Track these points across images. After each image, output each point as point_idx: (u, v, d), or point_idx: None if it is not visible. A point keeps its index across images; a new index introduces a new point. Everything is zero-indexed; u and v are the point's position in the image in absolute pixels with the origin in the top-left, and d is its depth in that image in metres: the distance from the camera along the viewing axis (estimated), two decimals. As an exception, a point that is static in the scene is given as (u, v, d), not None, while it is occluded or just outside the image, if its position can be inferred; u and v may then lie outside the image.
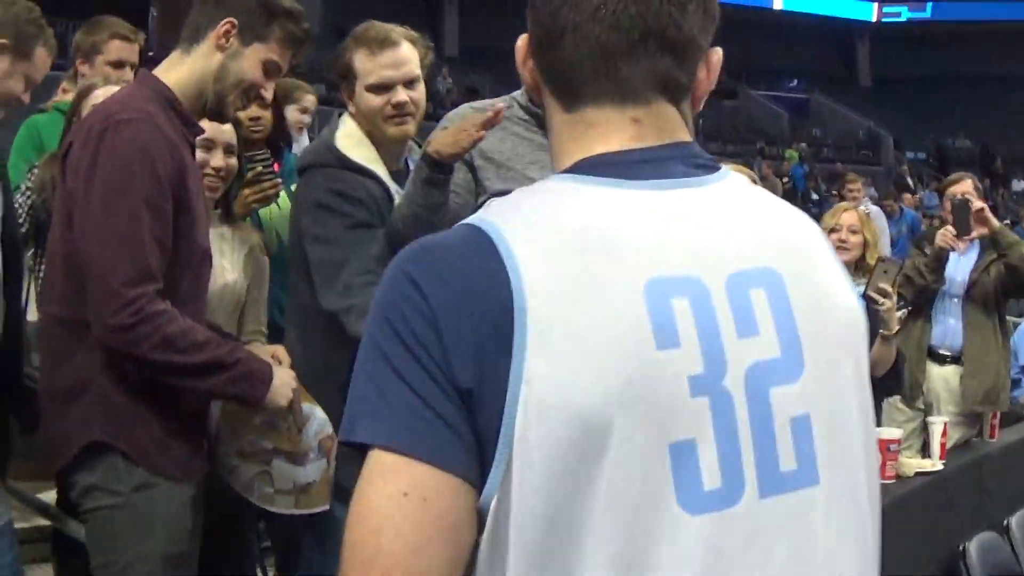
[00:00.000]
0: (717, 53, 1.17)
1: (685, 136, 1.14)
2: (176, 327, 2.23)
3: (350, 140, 2.88)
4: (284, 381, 2.45)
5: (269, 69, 2.46)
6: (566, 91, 1.13)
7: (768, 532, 1.04)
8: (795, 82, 38.58)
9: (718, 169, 1.15)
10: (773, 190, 3.36)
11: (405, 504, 0.98)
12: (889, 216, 11.09)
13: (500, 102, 2.74)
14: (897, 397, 4.89)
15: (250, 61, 2.41)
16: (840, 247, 3.92)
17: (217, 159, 2.84)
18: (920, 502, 3.41)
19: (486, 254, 1.01)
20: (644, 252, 1.04)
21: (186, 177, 2.33)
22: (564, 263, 1.01)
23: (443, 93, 22.96)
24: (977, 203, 4.64)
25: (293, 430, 2.56)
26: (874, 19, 39.07)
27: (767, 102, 35.81)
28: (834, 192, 20.20)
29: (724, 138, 29.01)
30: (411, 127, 2.89)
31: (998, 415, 4.75)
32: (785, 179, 21.85)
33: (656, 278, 1.02)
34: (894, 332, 3.72)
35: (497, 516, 0.98)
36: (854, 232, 4.11)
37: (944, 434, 3.83)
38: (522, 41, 1.17)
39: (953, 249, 4.79)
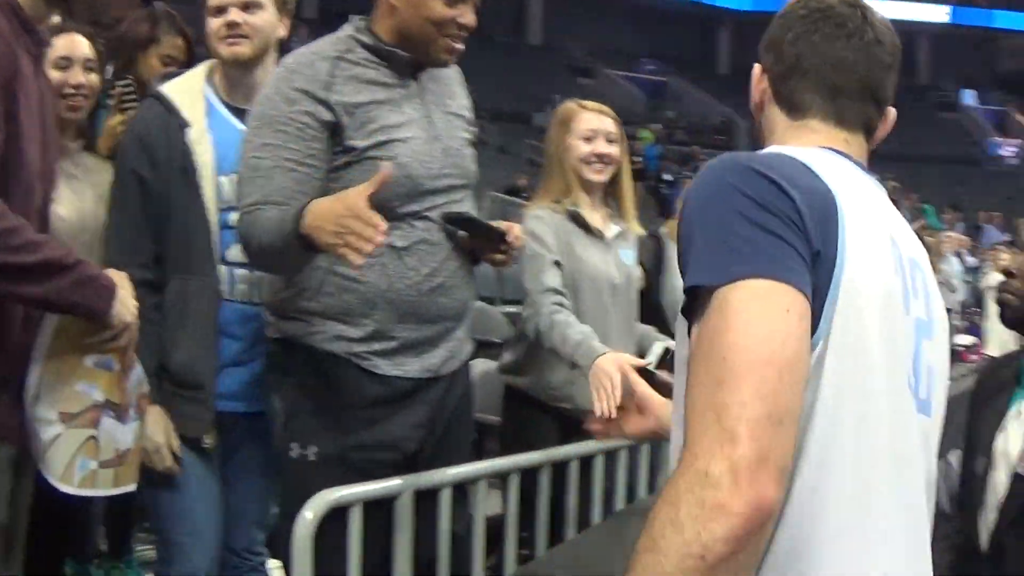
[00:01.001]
0: (893, 112, 1.59)
1: (863, 160, 1.53)
2: (5, 223, 2.05)
3: (188, 81, 2.90)
4: (128, 294, 2.35)
5: None
6: (794, 108, 1.54)
7: (915, 439, 1.39)
8: (653, 65, 38.55)
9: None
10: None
11: (789, 318, 1.21)
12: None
13: (333, 49, 2.59)
14: None
15: None
16: None
17: (76, 75, 2.89)
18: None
19: (810, 173, 1.34)
20: (882, 213, 1.44)
21: (16, 86, 2.16)
22: (852, 195, 1.36)
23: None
24: None
25: (124, 375, 2.45)
26: (741, 7, 38.73)
27: (624, 82, 35.76)
28: (686, 174, 21.01)
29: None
30: (244, 48, 2.82)
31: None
32: (638, 159, 21.22)
33: (890, 233, 1.41)
34: None
35: (818, 355, 1.26)
36: None
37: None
38: (758, 70, 1.58)
39: None
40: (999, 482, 2.39)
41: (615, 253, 3.49)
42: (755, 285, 1.21)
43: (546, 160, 3.58)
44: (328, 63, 2.53)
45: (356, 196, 2.25)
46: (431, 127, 2.63)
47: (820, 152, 1.44)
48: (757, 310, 1.20)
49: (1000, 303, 2.52)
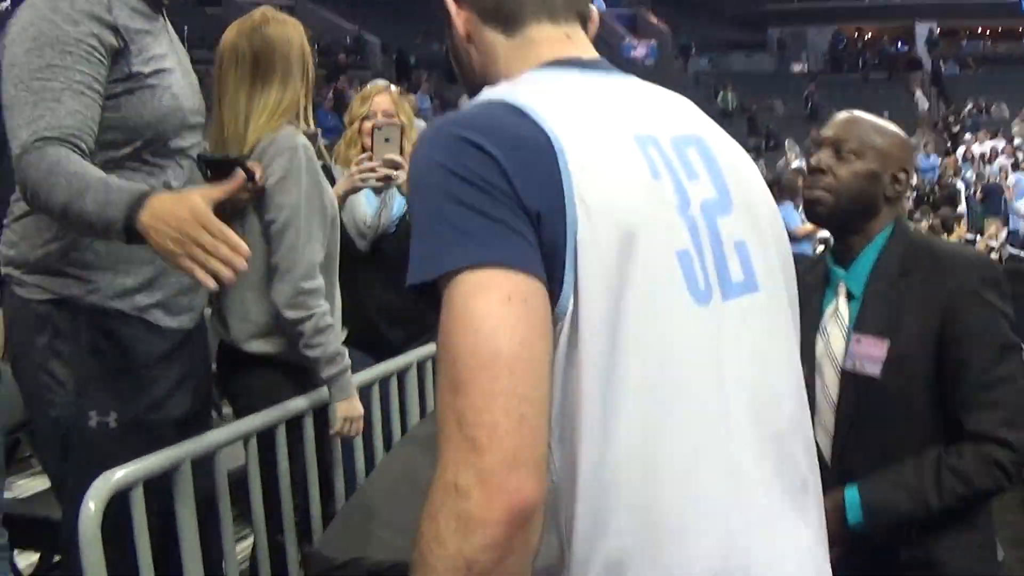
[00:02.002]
0: (596, 8, 1.52)
1: (595, 54, 1.46)
2: None
3: None
4: None
5: None
6: (508, 21, 1.43)
7: (731, 327, 1.33)
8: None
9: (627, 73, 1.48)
10: None
11: (511, 307, 1.15)
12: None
13: None
14: None
15: None
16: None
17: None
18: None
19: (516, 116, 1.26)
20: (625, 115, 1.36)
21: None
22: (573, 119, 1.28)
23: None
24: None
25: None
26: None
27: (250, 7, 33.44)
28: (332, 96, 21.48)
29: (208, 45, 26.78)
30: None
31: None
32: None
33: (636, 134, 1.33)
34: None
35: (569, 319, 1.20)
36: (390, 116, 4.06)
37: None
38: (452, 4, 1.45)
39: None
40: (829, 383, 2.36)
41: None
42: (472, 276, 1.15)
43: None
44: None
45: (203, 202, 2.15)
46: (182, 62, 2.60)
47: (540, 75, 1.37)
48: (477, 303, 1.14)
49: (811, 201, 2.40)
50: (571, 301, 1.20)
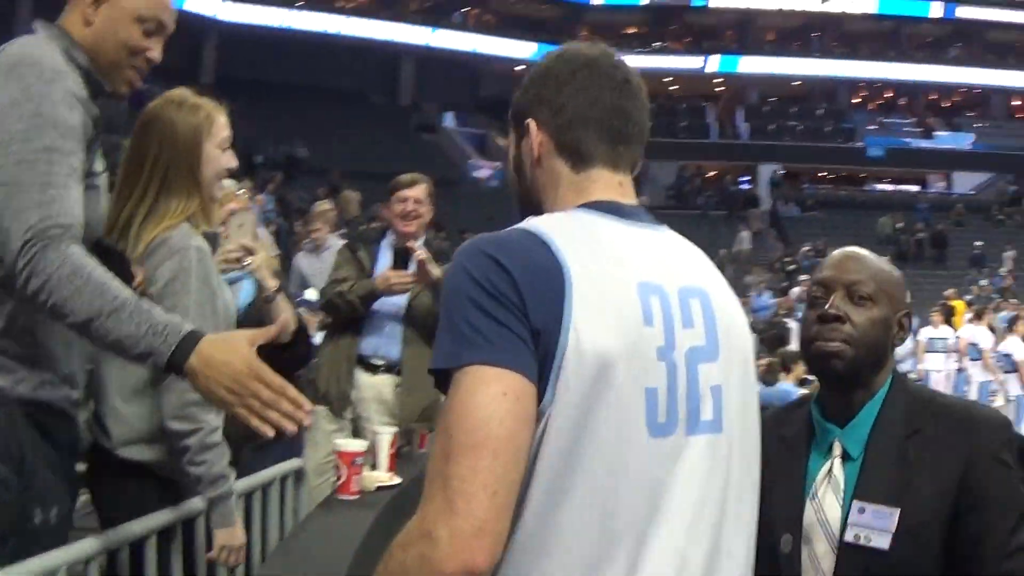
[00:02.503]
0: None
1: (635, 201, 1.72)
2: None
3: None
4: None
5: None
6: (580, 159, 1.69)
7: (691, 459, 1.56)
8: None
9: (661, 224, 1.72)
10: None
11: (504, 401, 1.44)
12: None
13: (60, 57, 2.37)
14: (324, 408, 5.03)
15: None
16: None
17: None
18: (388, 518, 3.24)
19: (541, 247, 1.52)
20: (635, 262, 1.59)
21: None
22: (589, 260, 1.53)
23: None
24: (420, 253, 4.85)
25: None
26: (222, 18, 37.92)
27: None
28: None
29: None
30: None
31: (427, 428, 4.95)
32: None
33: (642, 281, 1.56)
34: (275, 289, 3.48)
35: (546, 420, 1.47)
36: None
37: (393, 445, 3.73)
38: (534, 126, 1.71)
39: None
40: (821, 554, 2.17)
41: None
42: (479, 372, 1.45)
43: None
44: (70, 72, 2.35)
45: (253, 353, 2.13)
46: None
47: (579, 214, 1.64)
48: (479, 394, 1.44)
49: (828, 354, 2.17)
50: (550, 406, 1.47)
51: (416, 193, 5.13)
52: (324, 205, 9.44)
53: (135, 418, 2.78)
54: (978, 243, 31.46)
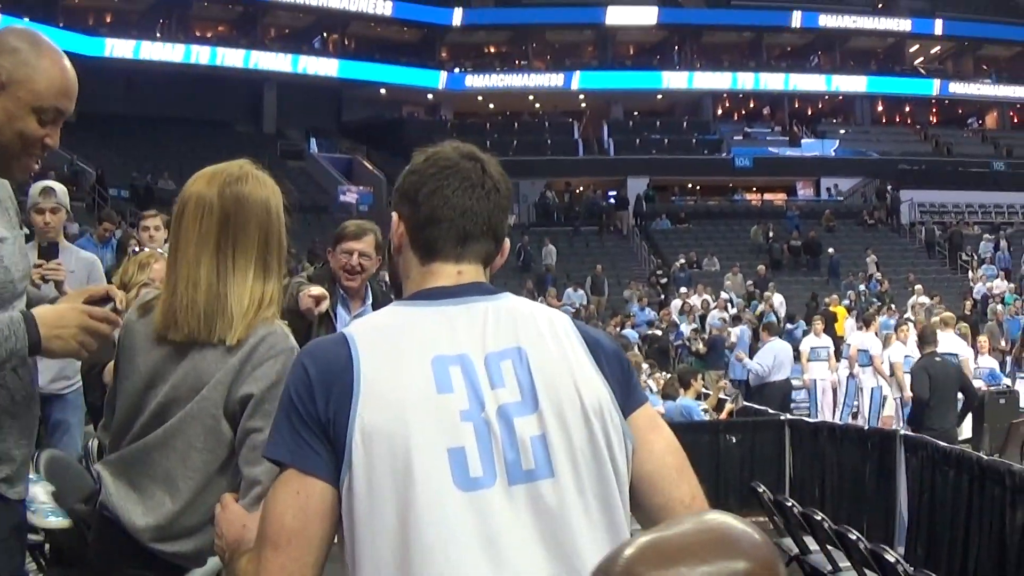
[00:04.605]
0: (507, 242, 2.04)
1: (482, 279, 1.96)
2: None
3: None
4: None
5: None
6: (428, 254, 1.95)
7: (518, 506, 1.74)
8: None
9: (500, 293, 1.94)
10: None
11: (296, 498, 1.76)
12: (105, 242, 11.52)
13: None
14: None
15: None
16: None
17: None
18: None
19: (341, 346, 1.82)
20: (435, 342, 1.82)
21: None
22: (381, 348, 1.82)
23: None
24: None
25: None
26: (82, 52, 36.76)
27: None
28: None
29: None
30: None
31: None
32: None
33: (439, 355, 1.81)
34: None
35: (347, 499, 1.75)
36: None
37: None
38: (396, 218, 1.97)
39: None
40: None
41: None
42: (283, 473, 1.80)
43: None
44: None
45: (72, 300, 2.60)
46: (11, 228, 2.59)
47: (399, 311, 1.92)
48: (279, 492, 1.78)
49: None
50: (345, 482, 1.75)
51: (362, 246, 4.93)
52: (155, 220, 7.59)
53: (195, 512, 2.64)
54: (834, 250, 32.12)
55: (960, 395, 10.81)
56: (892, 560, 4.96)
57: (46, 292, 3.96)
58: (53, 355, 2.44)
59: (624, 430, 1.88)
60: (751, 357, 16.96)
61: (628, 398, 1.93)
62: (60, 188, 5.54)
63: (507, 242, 2.03)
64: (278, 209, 2.68)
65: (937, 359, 10.85)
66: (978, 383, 13.13)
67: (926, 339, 11.28)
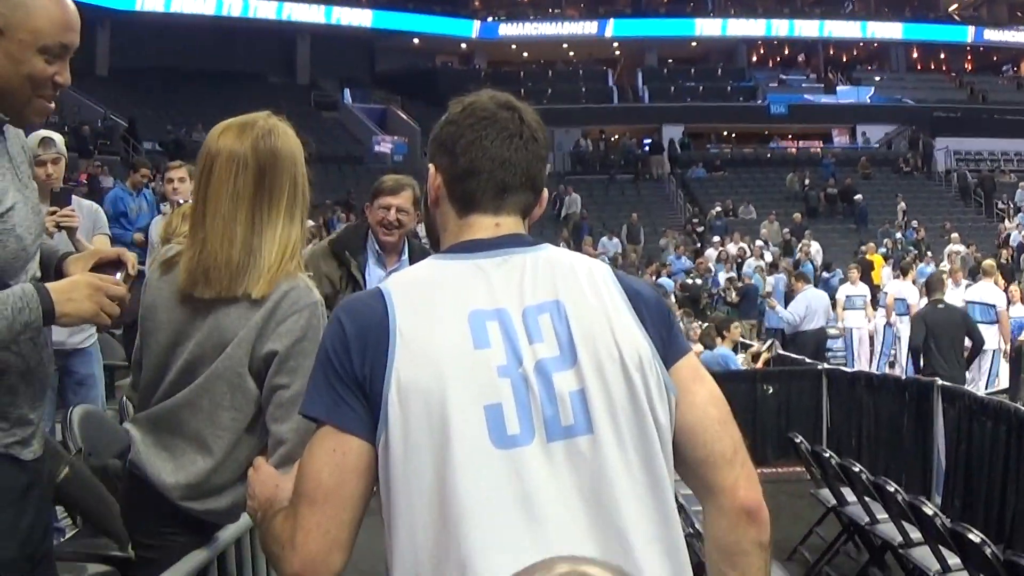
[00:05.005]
0: (546, 193, 2.03)
1: (521, 230, 1.95)
2: None
3: None
4: None
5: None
6: (465, 206, 1.93)
7: (557, 463, 1.72)
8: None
9: (540, 245, 1.93)
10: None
11: (333, 456, 1.76)
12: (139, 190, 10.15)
13: None
14: None
15: None
16: None
17: None
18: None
19: (378, 301, 1.82)
20: (472, 296, 1.81)
21: None
22: (417, 303, 1.80)
23: None
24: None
25: None
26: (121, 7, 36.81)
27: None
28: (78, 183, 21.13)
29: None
30: None
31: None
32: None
33: (476, 310, 1.79)
34: None
35: (383, 456, 1.74)
36: None
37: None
38: (433, 170, 1.95)
39: None
40: None
41: None
42: (319, 430, 1.79)
43: None
44: None
45: (78, 268, 2.60)
46: (23, 188, 2.51)
47: (436, 264, 1.90)
48: (315, 449, 1.78)
49: None
50: (381, 440, 1.74)
51: (400, 201, 4.86)
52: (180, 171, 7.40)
53: (227, 469, 2.66)
54: (861, 196, 31.91)
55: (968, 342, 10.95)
56: (930, 513, 5.01)
57: (58, 244, 3.90)
58: (70, 321, 2.45)
59: (666, 381, 1.84)
60: (786, 306, 16.89)
61: (670, 348, 1.89)
62: (58, 137, 5.52)
63: (545, 192, 2.00)
64: (302, 159, 2.69)
65: (940, 307, 10.99)
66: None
67: (932, 288, 11.48)
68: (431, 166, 1.95)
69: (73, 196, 5.43)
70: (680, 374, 1.89)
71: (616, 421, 1.76)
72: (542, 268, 1.86)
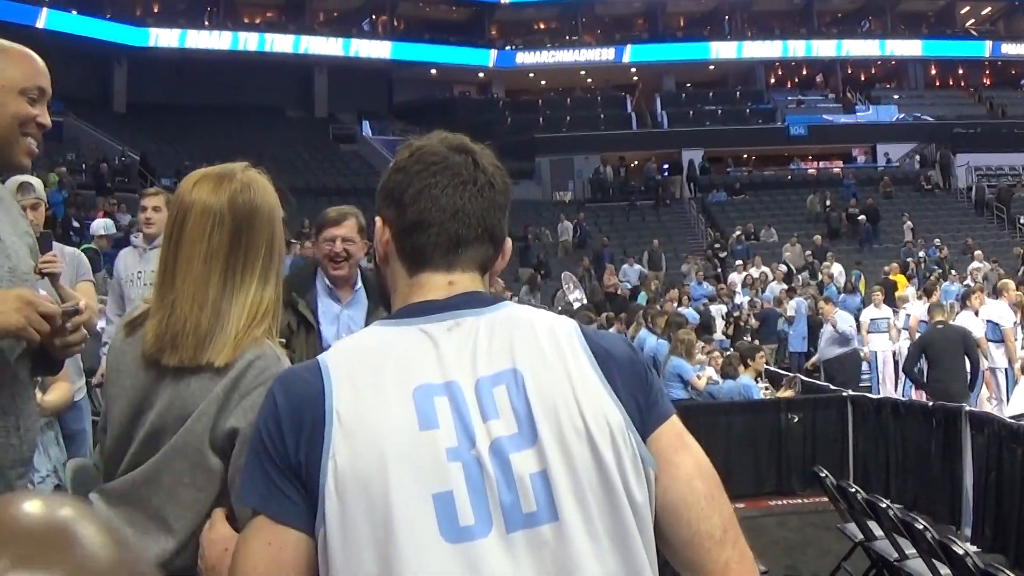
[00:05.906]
0: (509, 243, 1.82)
1: (479, 288, 1.74)
2: None
3: None
4: None
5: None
6: (415, 263, 1.73)
7: (519, 556, 1.52)
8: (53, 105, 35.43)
9: (498, 303, 1.73)
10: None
11: (268, 549, 1.58)
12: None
13: None
14: None
15: None
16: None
17: None
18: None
19: (314, 375, 1.63)
20: (415, 367, 1.62)
21: None
22: (358, 378, 1.61)
23: None
24: None
25: None
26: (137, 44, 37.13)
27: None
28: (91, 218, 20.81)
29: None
30: None
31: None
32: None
33: (423, 384, 1.59)
34: None
35: (322, 553, 1.56)
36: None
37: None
38: (380, 223, 1.75)
39: None
40: None
41: None
42: (254, 520, 1.62)
43: None
44: None
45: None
46: (12, 218, 2.57)
47: (378, 333, 1.71)
48: (249, 541, 1.61)
49: None
50: (321, 529, 1.56)
51: (343, 231, 4.64)
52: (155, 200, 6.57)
53: (191, 552, 2.29)
54: (866, 219, 31.64)
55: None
56: (960, 552, 4.84)
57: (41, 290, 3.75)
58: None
59: (642, 453, 1.64)
60: (808, 331, 16.65)
61: (648, 414, 1.69)
62: (37, 182, 5.40)
63: (508, 243, 1.81)
64: (279, 215, 2.52)
65: (939, 327, 10.94)
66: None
67: (933, 310, 11.62)
68: (378, 219, 1.77)
69: (54, 242, 5.33)
70: (661, 443, 1.68)
71: (584, 504, 1.56)
72: (498, 332, 1.67)
